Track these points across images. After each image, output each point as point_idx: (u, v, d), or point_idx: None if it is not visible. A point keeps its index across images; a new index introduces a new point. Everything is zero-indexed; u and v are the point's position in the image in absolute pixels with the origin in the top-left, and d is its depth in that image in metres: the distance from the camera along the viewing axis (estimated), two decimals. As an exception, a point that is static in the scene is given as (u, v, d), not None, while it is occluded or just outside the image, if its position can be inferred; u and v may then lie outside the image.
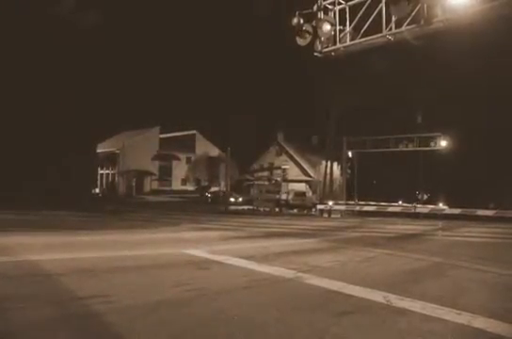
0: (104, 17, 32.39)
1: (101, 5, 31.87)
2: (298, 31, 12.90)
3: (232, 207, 36.93)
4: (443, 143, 33.61)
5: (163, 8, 68.93)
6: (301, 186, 49.30)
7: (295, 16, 12.88)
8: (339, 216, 31.89)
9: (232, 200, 40.78)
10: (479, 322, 4.21)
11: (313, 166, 50.40)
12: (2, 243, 9.22)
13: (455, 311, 4.60)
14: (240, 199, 42.58)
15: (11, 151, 29.08)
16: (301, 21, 12.83)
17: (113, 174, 55.96)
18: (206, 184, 55.58)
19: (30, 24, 28.68)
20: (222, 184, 50.96)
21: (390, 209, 31.84)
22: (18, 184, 28.55)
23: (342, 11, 13.16)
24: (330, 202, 32.61)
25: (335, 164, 40.67)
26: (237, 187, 46.82)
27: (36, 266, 6.62)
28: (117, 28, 41.97)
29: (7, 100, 28.76)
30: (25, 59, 28.89)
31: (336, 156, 39.19)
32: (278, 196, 40.15)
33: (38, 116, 29.80)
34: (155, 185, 56.89)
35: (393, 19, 11.85)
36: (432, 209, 33.51)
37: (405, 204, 37.49)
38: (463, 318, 4.33)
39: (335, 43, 13.32)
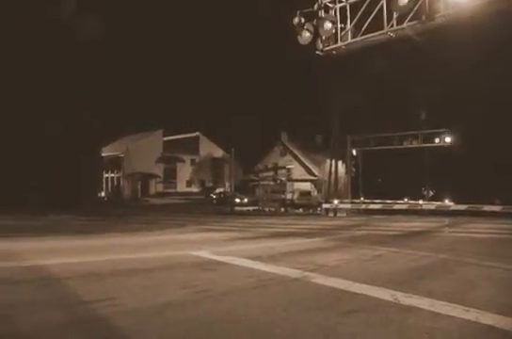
0: (106, 20, 32.53)
1: (103, 9, 32.02)
2: (300, 30, 12.90)
3: (238, 208, 36.95)
4: (448, 139, 33.48)
5: (165, 11, 69.12)
6: (306, 186, 49.27)
7: (295, 15, 12.89)
8: (344, 214, 31.83)
9: (238, 200, 40.79)
10: (487, 318, 4.19)
11: (318, 165, 50.30)
12: (9, 248, 9.25)
13: (462, 307, 4.57)
14: (245, 199, 42.59)
15: (16, 155, 29.19)
16: (302, 20, 12.84)
17: (118, 178, 56.12)
18: (211, 185, 55.64)
19: (34, 29, 28.80)
20: (227, 185, 51.02)
21: (396, 207, 31.73)
22: (23, 188, 28.66)
23: (342, 9, 13.15)
24: (336, 201, 32.54)
25: (340, 162, 40.56)
26: (242, 188, 46.84)
27: (42, 270, 6.63)
28: (119, 31, 42.16)
29: (11, 104, 28.88)
30: (29, 63, 29.01)
31: (340, 155, 39.09)
32: (283, 196, 40.15)
33: (42, 120, 29.90)
34: (160, 188, 57.03)
35: (395, 15, 11.82)
36: (438, 206, 33.41)
37: (411, 202, 37.35)
38: (471, 315, 4.31)
39: (336, 42, 13.31)
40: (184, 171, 58.56)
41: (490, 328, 3.94)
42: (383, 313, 4.45)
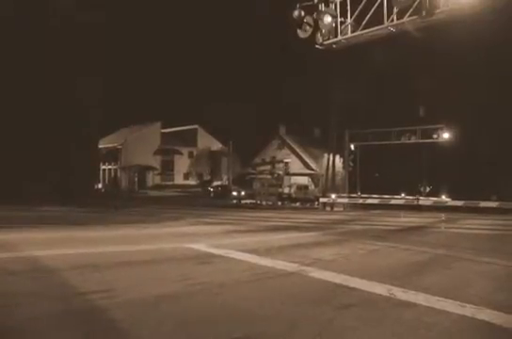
0: (105, 12, 32.35)
1: (102, 1, 31.85)
2: (299, 23, 12.83)
3: (235, 201, 36.99)
4: (446, 135, 33.52)
5: (162, 2, 68.69)
6: (304, 180, 49.29)
7: (295, 8, 12.81)
8: (341, 209, 31.87)
9: (235, 194, 40.79)
10: (483, 314, 4.19)
11: (316, 159, 50.34)
12: (5, 239, 9.23)
13: (459, 303, 4.57)
14: (242, 193, 42.60)
15: (13, 147, 29.08)
16: (302, 13, 12.75)
17: (115, 169, 56.05)
18: (208, 178, 55.63)
19: (31, 21, 28.62)
20: (224, 178, 51.01)
21: (392, 202, 31.77)
22: (20, 180, 28.58)
23: (343, 3, 13.08)
24: (333, 196, 32.59)
25: (337, 157, 40.61)
26: (239, 181, 46.86)
27: (39, 261, 6.61)
28: (117, 24, 41.94)
29: (8, 96, 28.73)
30: (26, 55, 28.85)
31: (338, 149, 39.12)
32: (280, 189, 40.12)
33: (39, 112, 29.76)
34: (158, 180, 57.00)
35: (395, 10, 11.77)
36: (435, 201, 33.49)
37: (408, 197, 37.42)
38: (467, 310, 4.31)
39: (336, 35, 13.24)
40: (182, 164, 58.51)
41: (487, 324, 3.94)
42: (379, 307, 4.46)
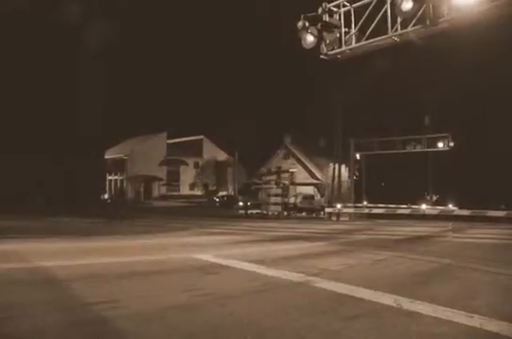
0: (110, 25, 32.74)
1: (107, 14, 32.27)
2: (304, 34, 12.90)
3: (241, 211, 36.96)
4: (452, 144, 33.39)
5: (168, 15, 69.36)
6: (309, 190, 49.18)
7: (300, 19, 12.88)
8: (347, 218, 31.72)
9: (241, 204, 40.75)
10: (492, 325, 4.15)
11: (321, 169, 50.24)
12: (12, 249, 9.26)
13: (466, 314, 4.54)
14: (248, 203, 42.55)
15: (21, 159, 29.26)
16: (306, 24, 12.82)
17: (121, 180, 56.21)
18: (214, 188, 55.64)
19: (39, 31, 28.98)
20: (230, 188, 51.03)
21: (399, 211, 31.56)
22: (27, 190, 28.72)
23: (347, 13, 13.13)
24: (339, 205, 32.44)
25: (343, 166, 40.53)
26: (245, 191, 46.82)
27: (46, 271, 6.63)
28: (122, 36, 42.31)
29: (17, 106, 29.00)
30: (34, 66, 29.14)
31: (344, 159, 39.05)
32: (286, 199, 40.06)
33: (46, 123, 30.00)
34: (163, 191, 57.07)
35: (399, 20, 11.81)
36: (442, 210, 33.25)
37: (414, 206, 37.22)
38: (475, 321, 4.28)
39: (341, 46, 13.28)
40: (188, 174, 58.62)
41: (495, 335, 3.91)
42: (386, 318, 4.43)
